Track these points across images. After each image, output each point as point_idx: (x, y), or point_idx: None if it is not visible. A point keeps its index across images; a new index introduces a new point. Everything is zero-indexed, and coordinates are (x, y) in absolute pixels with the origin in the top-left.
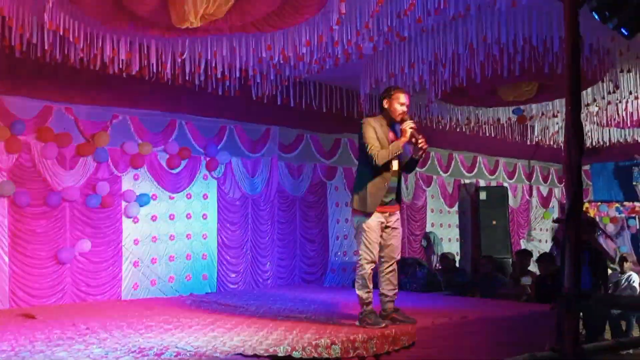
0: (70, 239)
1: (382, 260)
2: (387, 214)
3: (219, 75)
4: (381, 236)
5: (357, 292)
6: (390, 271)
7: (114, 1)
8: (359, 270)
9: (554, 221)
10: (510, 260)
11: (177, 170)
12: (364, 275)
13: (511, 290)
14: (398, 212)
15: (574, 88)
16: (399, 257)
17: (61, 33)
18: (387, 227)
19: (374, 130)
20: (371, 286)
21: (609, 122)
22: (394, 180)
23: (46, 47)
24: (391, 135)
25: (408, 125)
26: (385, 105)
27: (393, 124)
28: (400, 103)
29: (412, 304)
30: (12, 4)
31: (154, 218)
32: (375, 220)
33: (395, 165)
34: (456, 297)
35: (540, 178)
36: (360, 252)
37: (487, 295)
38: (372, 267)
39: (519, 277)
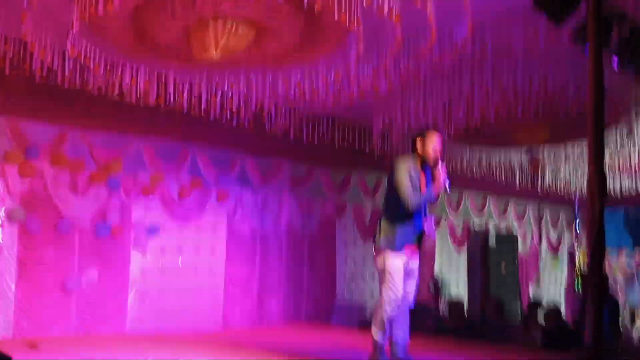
0: (78, 268)
1: None
2: (409, 256)
3: (234, 108)
4: None
5: (372, 333)
6: (403, 317)
7: (137, 30)
8: (379, 311)
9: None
10: (519, 306)
11: (188, 200)
12: (383, 316)
13: (522, 338)
14: (417, 255)
15: (597, 137)
16: (412, 304)
17: (82, 60)
18: (407, 270)
19: (408, 172)
20: (388, 329)
21: (621, 169)
22: (420, 224)
23: (66, 74)
24: (422, 177)
25: (441, 173)
26: (418, 146)
27: (425, 164)
28: (433, 145)
29: (421, 351)
30: (36, 29)
31: (162, 249)
32: (400, 261)
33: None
34: (466, 343)
35: (549, 223)
36: (383, 293)
37: (496, 341)
38: (393, 310)
39: (529, 326)
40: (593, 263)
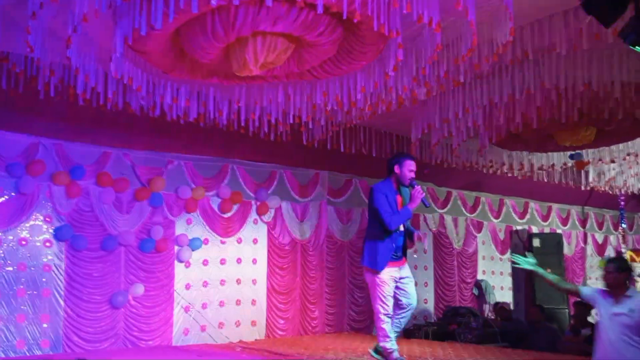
0: (125, 283)
1: (401, 306)
2: (397, 268)
3: (272, 122)
4: (397, 287)
5: (382, 344)
6: (403, 317)
7: (178, 51)
8: (379, 323)
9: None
10: (567, 311)
11: (229, 214)
12: (383, 326)
13: (572, 343)
14: (406, 263)
15: None
16: (415, 303)
17: (125, 82)
18: (400, 278)
19: (385, 197)
20: (392, 335)
21: None
22: (400, 239)
23: (109, 96)
24: (399, 198)
25: (419, 193)
26: (396, 171)
27: (400, 187)
28: (410, 170)
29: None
30: (80, 54)
31: (205, 262)
32: (387, 274)
33: (400, 226)
34: (514, 350)
35: (595, 225)
36: (376, 306)
37: (544, 348)
38: (389, 319)
39: (579, 329)
40: None
